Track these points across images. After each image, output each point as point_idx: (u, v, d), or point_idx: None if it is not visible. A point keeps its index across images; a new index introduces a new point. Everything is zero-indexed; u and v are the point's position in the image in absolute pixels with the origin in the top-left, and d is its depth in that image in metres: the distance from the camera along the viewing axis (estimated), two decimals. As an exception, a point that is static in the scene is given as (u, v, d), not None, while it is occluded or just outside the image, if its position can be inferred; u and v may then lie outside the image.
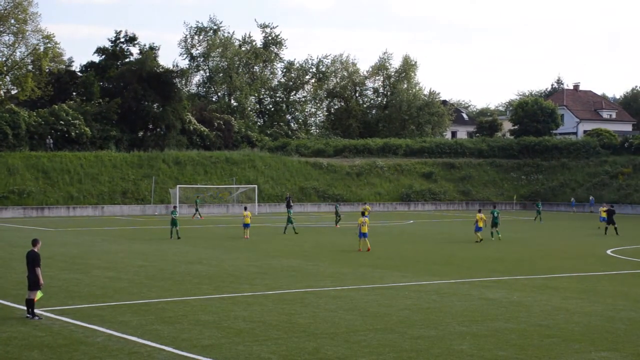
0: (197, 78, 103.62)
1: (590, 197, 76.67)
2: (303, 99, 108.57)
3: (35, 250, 18.15)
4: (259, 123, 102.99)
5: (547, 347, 15.61)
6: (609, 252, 35.37)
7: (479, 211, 41.18)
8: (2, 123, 68.47)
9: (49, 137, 71.05)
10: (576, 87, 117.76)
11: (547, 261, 31.72)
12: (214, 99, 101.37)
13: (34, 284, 17.87)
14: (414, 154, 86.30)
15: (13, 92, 79.71)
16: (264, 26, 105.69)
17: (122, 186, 67.09)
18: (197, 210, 61.17)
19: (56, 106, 73.53)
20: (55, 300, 20.46)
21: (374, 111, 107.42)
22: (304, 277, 25.61)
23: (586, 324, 18.04)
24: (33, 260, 17.91)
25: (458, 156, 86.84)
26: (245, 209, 43.16)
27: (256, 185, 70.52)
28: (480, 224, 39.50)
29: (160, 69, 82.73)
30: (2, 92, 79.55)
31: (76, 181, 65.90)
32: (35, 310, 18.00)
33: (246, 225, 40.90)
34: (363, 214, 36.21)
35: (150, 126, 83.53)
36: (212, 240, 40.52)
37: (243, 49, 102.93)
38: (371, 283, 24.44)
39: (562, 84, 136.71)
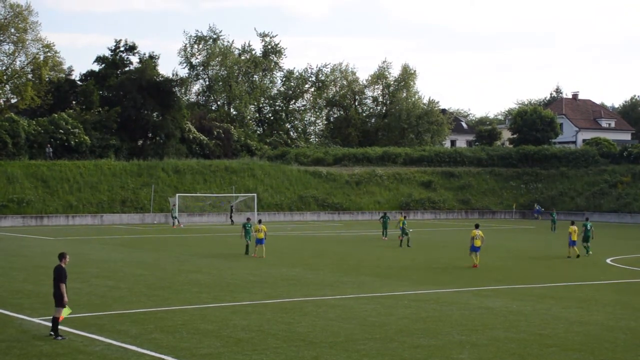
0: (196, 87, 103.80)
1: (537, 206, 77.41)
2: (302, 107, 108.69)
3: (62, 265, 17.31)
4: (258, 132, 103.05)
5: (546, 357, 15.60)
6: (608, 260, 35.36)
7: (572, 223, 37.59)
8: (2, 132, 68.45)
9: (49, 145, 71.05)
10: (575, 96, 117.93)
11: (546, 270, 31.71)
12: (213, 108, 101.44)
13: (57, 301, 17.04)
14: (413, 162, 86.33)
15: (13, 100, 79.77)
16: (263, 35, 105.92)
17: (122, 195, 67.06)
18: (174, 218, 61.21)
19: (56, 115, 73.54)
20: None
21: (373, 120, 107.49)
22: (304, 286, 25.58)
23: (586, 333, 18.02)
24: (58, 275, 17.13)
25: (457, 165, 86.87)
26: (260, 221, 37.54)
27: (255, 194, 70.50)
28: (574, 237, 36.27)
29: (160, 78, 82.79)
30: (1, 101, 79.61)
31: (75, 190, 65.87)
32: (60, 328, 17.15)
33: (259, 241, 35.60)
34: (477, 226, 32.68)
35: (150, 135, 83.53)
36: (211, 249, 40.47)
37: (242, 57, 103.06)
38: (370, 292, 24.42)
39: (561, 92, 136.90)
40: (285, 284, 26.01)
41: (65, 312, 17.18)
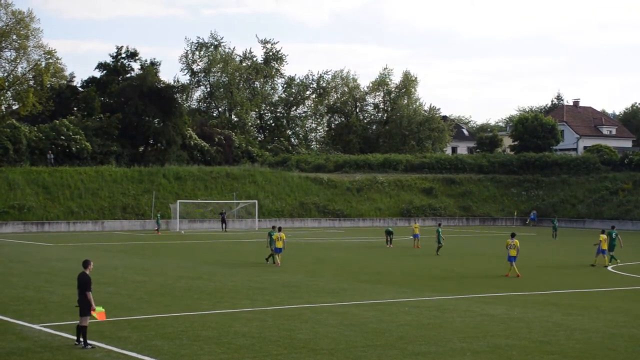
0: (197, 93, 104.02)
1: (532, 212, 78.23)
2: (303, 114, 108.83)
3: (87, 272, 17.00)
4: (259, 138, 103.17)
5: (547, 364, 15.56)
6: (609, 268, 35.31)
7: (603, 232, 36.74)
8: (3, 138, 68.56)
9: (50, 152, 71.11)
10: (576, 103, 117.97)
11: (547, 277, 31.67)
12: (214, 114, 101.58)
13: (84, 309, 16.54)
14: (414, 169, 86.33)
15: (14, 107, 79.86)
16: (264, 42, 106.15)
17: (123, 201, 67.06)
18: (158, 225, 60.79)
19: (57, 121, 73.66)
20: (55, 316, 20.42)
21: (374, 126, 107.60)
22: (304, 293, 25.55)
23: (587, 340, 17.98)
24: (83, 283, 16.80)
25: (458, 172, 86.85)
26: (280, 229, 35.71)
27: (256, 201, 70.48)
28: (604, 246, 35.68)
29: (161, 85, 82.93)
30: (3, 108, 79.71)
31: (76, 196, 65.88)
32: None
33: (278, 250, 34.69)
34: (513, 235, 31.77)
35: (151, 141, 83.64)
36: (212, 256, 40.45)
37: (244, 64, 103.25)
38: (371, 299, 24.38)
39: (562, 100, 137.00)
40: (286, 291, 25.98)
41: (100, 312, 16.63)
